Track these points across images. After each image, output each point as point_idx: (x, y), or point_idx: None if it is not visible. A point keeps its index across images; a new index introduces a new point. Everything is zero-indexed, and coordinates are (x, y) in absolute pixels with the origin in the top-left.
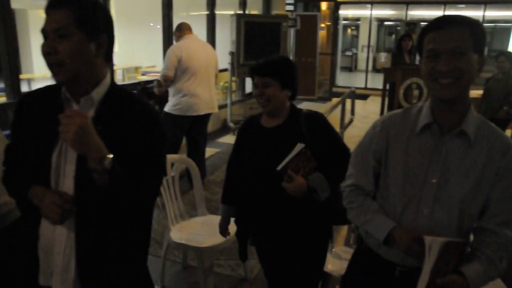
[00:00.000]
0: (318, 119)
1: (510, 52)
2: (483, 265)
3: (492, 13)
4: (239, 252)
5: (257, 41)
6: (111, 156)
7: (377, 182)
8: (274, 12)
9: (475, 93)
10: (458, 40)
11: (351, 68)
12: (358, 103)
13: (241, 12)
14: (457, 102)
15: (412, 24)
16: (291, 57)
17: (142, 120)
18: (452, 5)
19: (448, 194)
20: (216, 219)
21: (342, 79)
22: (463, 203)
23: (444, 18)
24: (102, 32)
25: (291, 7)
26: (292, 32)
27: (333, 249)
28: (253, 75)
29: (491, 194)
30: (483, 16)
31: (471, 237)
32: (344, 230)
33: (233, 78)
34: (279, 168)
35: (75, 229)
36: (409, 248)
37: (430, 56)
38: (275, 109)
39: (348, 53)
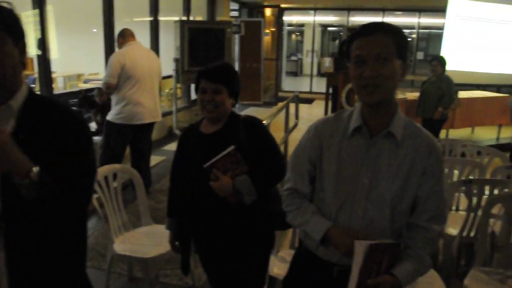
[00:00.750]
0: (256, 125)
1: (442, 57)
2: (413, 263)
3: (427, 20)
4: (181, 264)
5: (202, 47)
6: (37, 168)
7: (313, 185)
8: (219, 18)
9: (413, 95)
10: (382, 47)
11: (296, 72)
12: (303, 107)
13: (185, 18)
14: (384, 106)
15: (354, 29)
16: (236, 63)
17: (65, 125)
18: (390, 12)
19: (379, 193)
20: (161, 228)
21: (288, 84)
22: (393, 202)
23: (369, 25)
24: (23, 37)
25: (235, 13)
26: (236, 38)
27: (278, 253)
28: (201, 79)
29: (419, 192)
30: (418, 23)
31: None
32: (290, 233)
33: (178, 85)
34: (205, 165)
35: (5, 247)
36: (346, 247)
37: (357, 62)
38: (219, 116)
39: (294, 58)
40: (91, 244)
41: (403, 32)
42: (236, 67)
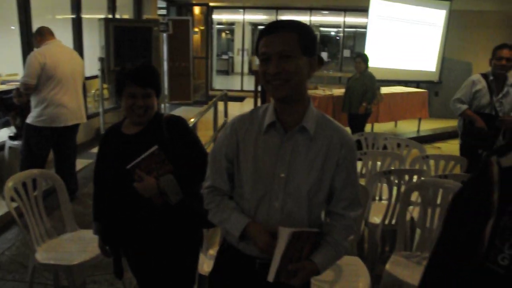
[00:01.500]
0: (179, 124)
1: (365, 54)
2: (331, 249)
3: (352, 19)
4: (115, 269)
5: (128, 47)
6: None
7: (233, 181)
8: (146, 16)
9: (339, 92)
10: (285, 44)
11: (228, 71)
12: (235, 105)
13: (110, 16)
14: (294, 101)
15: None
16: (164, 62)
17: None
18: (317, 11)
19: (296, 186)
20: (89, 233)
21: (219, 83)
22: (310, 193)
23: (275, 23)
24: None
25: (164, 11)
26: (164, 36)
27: (209, 251)
28: (128, 84)
29: (334, 182)
30: (344, 22)
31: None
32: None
33: (105, 85)
34: (128, 166)
35: None
36: (263, 244)
37: (263, 59)
38: (149, 119)
39: (225, 56)
40: (12, 256)
41: (309, 29)
42: (165, 66)
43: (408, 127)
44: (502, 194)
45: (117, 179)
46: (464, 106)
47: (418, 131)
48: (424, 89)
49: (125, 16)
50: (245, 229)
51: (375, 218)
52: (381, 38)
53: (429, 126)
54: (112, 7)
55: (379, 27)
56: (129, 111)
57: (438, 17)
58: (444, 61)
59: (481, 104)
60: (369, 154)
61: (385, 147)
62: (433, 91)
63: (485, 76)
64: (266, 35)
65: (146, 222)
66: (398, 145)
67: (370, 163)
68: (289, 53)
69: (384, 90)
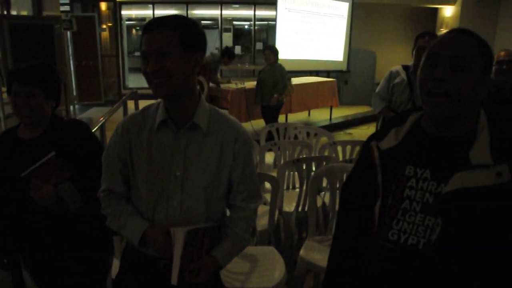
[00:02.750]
0: (80, 129)
1: (274, 46)
2: (231, 242)
3: (262, 13)
4: (14, 284)
5: (28, 45)
6: None
7: (128, 183)
8: (47, 13)
9: (251, 84)
10: (163, 42)
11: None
12: (149, 103)
13: (4, 13)
14: (182, 98)
15: None
16: (70, 61)
17: None
18: (228, 5)
19: (193, 183)
20: None
21: (134, 80)
22: (208, 190)
23: (154, 20)
24: None
25: (67, 7)
26: (69, 34)
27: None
28: (13, 81)
29: (232, 176)
30: (254, 15)
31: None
32: None
33: (4, 88)
34: (23, 174)
35: None
36: (161, 244)
37: (143, 57)
38: (36, 120)
39: (137, 53)
40: None
41: (192, 25)
42: (71, 65)
43: (320, 116)
44: (384, 175)
45: (12, 187)
46: (383, 104)
47: (330, 119)
48: (334, 78)
49: (23, 13)
50: (143, 235)
51: (289, 206)
52: (291, 30)
53: (340, 113)
54: (6, 3)
55: (288, 19)
56: (14, 110)
57: (343, 9)
58: (351, 51)
59: (400, 100)
60: (279, 145)
61: (296, 137)
62: (342, 79)
63: (406, 68)
64: (146, 33)
65: (45, 232)
66: (308, 134)
67: (280, 152)
68: (167, 50)
69: (296, 80)
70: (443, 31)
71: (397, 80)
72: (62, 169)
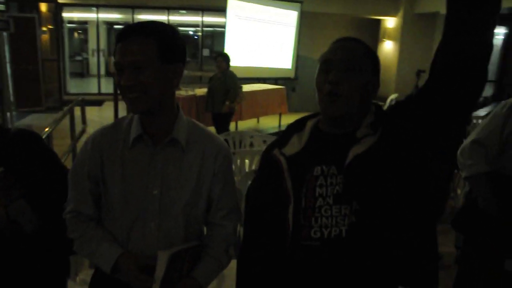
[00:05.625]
0: (31, 139)
1: (226, 54)
2: (212, 262)
3: (210, 19)
4: None
5: None
6: None
7: (99, 204)
8: None
9: (201, 91)
10: (138, 53)
11: (83, 73)
12: (93, 110)
13: None
14: (159, 113)
15: None
16: (7, 64)
17: None
18: (175, 10)
19: (171, 202)
20: None
21: (74, 86)
22: (186, 208)
23: (130, 27)
24: None
25: (2, 7)
26: (5, 35)
27: (78, 276)
28: None
29: (212, 193)
30: (202, 21)
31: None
32: None
33: None
34: None
35: None
36: (135, 279)
37: (117, 69)
38: None
39: (78, 58)
40: None
41: (170, 33)
42: (8, 69)
43: (270, 123)
44: (293, 180)
45: None
46: (484, 168)
47: (279, 126)
48: (282, 85)
49: None
50: (116, 262)
51: None
52: (240, 38)
53: (289, 120)
54: None
55: (237, 26)
56: None
57: (291, 17)
58: (299, 58)
59: None
60: (237, 154)
61: (251, 145)
62: (290, 87)
63: None
64: (120, 42)
65: None
66: (264, 142)
67: (238, 162)
68: (143, 64)
69: (246, 88)
70: (385, 41)
71: None
72: (12, 187)
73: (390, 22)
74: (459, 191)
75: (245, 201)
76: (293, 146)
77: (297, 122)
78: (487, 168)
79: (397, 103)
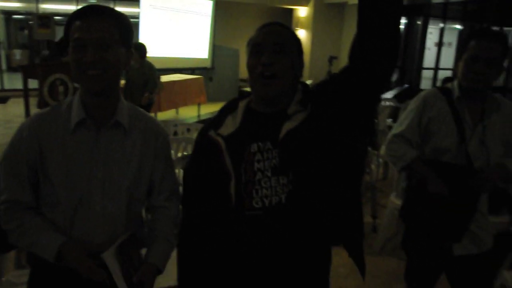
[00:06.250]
0: None
1: (142, 44)
2: (163, 244)
3: (123, 9)
4: None
5: None
6: None
7: (38, 191)
8: None
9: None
10: (105, 31)
11: None
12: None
13: None
14: (109, 95)
15: (46, 18)
16: None
17: None
18: (84, 0)
19: (115, 185)
20: None
21: None
22: (129, 191)
23: (91, 7)
24: None
25: None
26: None
27: (4, 278)
28: None
29: (153, 175)
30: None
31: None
32: (13, 253)
33: None
34: None
35: None
36: (87, 268)
37: (76, 46)
38: None
39: None
40: None
41: (127, 21)
42: None
43: (189, 113)
44: (232, 158)
45: None
46: (415, 152)
47: (198, 116)
48: (199, 75)
49: None
50: (59, 251)
51: None
52: (155, 28)
53: (208, 110)
54: None
55: (152, 16)
56: None
57: (206, 6)
58: (215, 48)
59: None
60: None
61: (175, 134)
62: (207, 77)
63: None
64: (80, 20)
65: None
66: (188, 130)
67: None
68: (109, 41)
69: (163, 78)
70: (298, 30)
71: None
72: None
73: (302, 12)
74: (373, 167)
75: (183, 183)
76: (228, 126)
77: (229, 103)
78: (417, 152)
79: (322, 82)
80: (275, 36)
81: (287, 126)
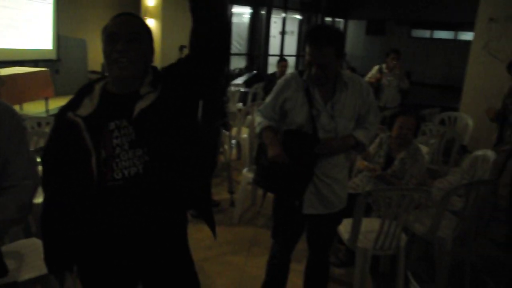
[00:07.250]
0: None
1: None
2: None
3: None
4: None
5: None
6: None
7: None
8: None
9: None
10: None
11: None
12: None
13: None
14: None
15: None
16: None
17: None
18: None
19: None
20: None
21: None
22: None
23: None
24: None
25: None
26: None
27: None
28: None
29: (6, 154)
30: None
31: None
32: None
33: None
34: None
35: None
36: None
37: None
38: None
39: None
40: None
41: None
42: None
43: (35, 108)
44: (91, 136)
45: None
46: (268, 123)
47: (47, 110)
48: (44, 67)
49: None
50: None
51: None
52: None
53: (57, 104)
54: None
55: None
56: None
57: None
58: (60, 39)
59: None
60: None
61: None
62: (53, 69)
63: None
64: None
65: None
66: (39, 124)
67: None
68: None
69: (4, 72)
70: (148, 19)
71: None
72: None
73: (150, 1)
74: (226, 147)
75: (43, 164)
76: (86, 107)
77: (84, 87)
78: (270, 123)
79: (170, 65)
80: (130, 26)
81: (140, 105)
